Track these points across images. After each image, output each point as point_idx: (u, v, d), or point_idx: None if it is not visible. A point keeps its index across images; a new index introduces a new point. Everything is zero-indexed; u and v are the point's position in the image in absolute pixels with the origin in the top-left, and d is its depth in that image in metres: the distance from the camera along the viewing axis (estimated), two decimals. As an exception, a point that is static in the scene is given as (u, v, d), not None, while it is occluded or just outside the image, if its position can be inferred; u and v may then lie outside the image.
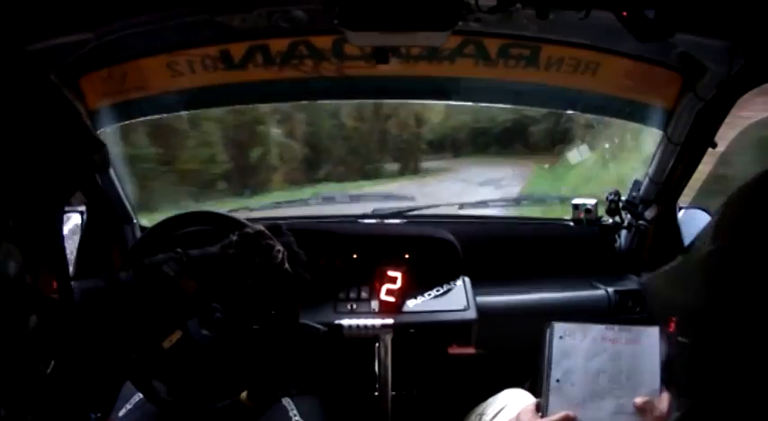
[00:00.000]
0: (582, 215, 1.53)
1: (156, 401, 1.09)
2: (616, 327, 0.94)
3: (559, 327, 0.94)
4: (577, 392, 0.91)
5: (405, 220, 1.64)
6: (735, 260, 0.56)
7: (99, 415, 1.03)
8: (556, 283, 1.56)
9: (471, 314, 1.39)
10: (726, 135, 1.56)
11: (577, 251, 1.65)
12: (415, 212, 1.70)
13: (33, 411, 0.75)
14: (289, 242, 1.13)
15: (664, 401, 0.89)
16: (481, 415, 1.21)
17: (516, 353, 1.45)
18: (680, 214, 1.59)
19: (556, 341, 0.94)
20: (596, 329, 0.94)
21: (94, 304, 1.02)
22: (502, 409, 1.18)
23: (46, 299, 0.76)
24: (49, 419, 0.81)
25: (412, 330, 1.38)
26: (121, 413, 1.18)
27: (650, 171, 1.53)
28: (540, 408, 0.93)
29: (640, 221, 1.53)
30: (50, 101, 0.70)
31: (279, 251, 1.05)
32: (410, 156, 2.96)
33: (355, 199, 1.82)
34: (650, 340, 0.93)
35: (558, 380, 0.92)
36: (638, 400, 0.89)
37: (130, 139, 1.89)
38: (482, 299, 1.44)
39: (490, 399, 1.24)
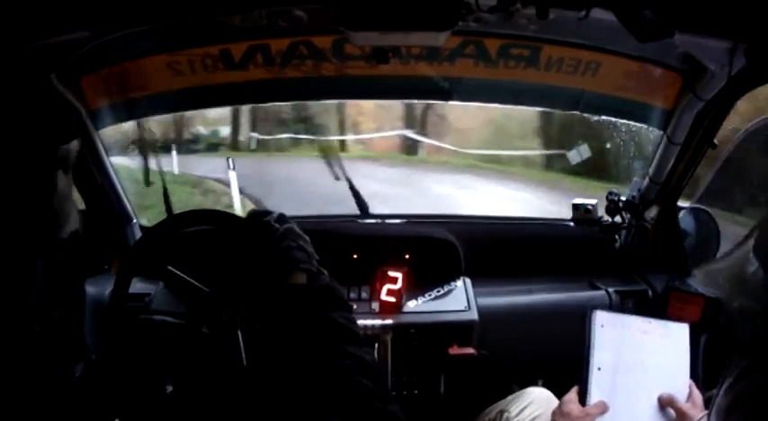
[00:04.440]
0: (582, 215, 1.53)
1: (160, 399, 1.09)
2: (652, 321, 0.96)
3: (601, 316, 0.96)
4: (618, 382, 0.93)
5: (405, 221, 1.64)
6: None
7: None
8: (556, 283, 1.56)
9: (472, 315, 1.38)
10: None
11: (578, 251, 1.65)
12: (416, 212, 1.70)
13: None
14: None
15: (691, 397, 0.91)
16: (503, 411, 1.21)
17: (516, 354, 1.46)
18: (680, 214, 1.59)
19: (597, 330, 0.95)
20: (634, 321, 0.96)
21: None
22: (527, 406, 1.18)
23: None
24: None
25: (412, 331, 1.37)
26: None
27: (650, 171, 1.52)
28: (580, 395, 0.94)
29: (640, 221, 1.53)
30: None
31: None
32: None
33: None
34: (681, 337, 0.95)
35: (599, 369, 0.94)
36: (664, 396, 0.91)
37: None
38: (482, 299, 1.43)
39: (511, 397, 1.24)
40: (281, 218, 0.98)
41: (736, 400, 0.51)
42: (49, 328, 0.73)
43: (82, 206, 1.53)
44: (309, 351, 0.80)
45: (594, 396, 0.92)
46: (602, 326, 0.95)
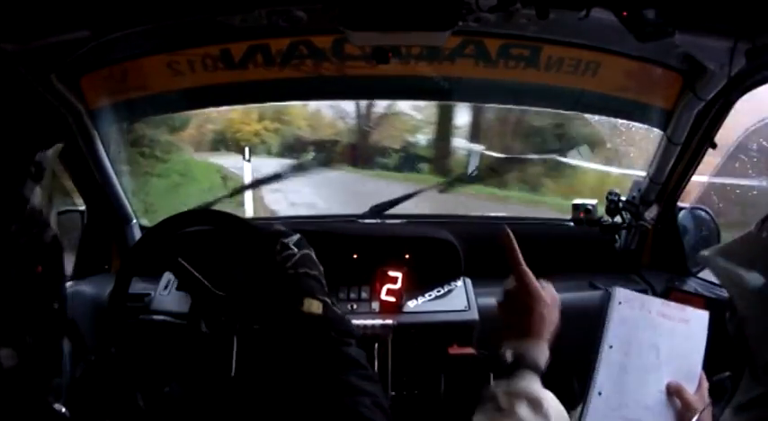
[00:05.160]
0: (582, 215, 1.53)
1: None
2: (672, 304, 0.92)
3: (620, 293, 0.92)
4: (628, 362, 0.89)
5: (405, 220, 1.64)
6: None
7: None
8: (556, 283, 1.55)
9: (472, 315, 1.38)
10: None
11: (577, 251, 1.65)
12: (416, 213, 1.70)
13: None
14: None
15: (700, 389, 0.88)
16: None
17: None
18: (680, 214, 1.59)
19: (615, 306, 0.91)
20: (654, 302, 0.92)
21: None
22: None
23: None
24: None
25: (412, 331, 1.37)
26: None
27: (650, 171, 1.52)
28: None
29: (640, 221, 1.53)
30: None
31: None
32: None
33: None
34: (700, 324, 0.92)
35: (610, 347, 0.90)
36: (673, 383, 0.87)
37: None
38: (482, 299, 1.43)
39: None
40: (300, 242, 0.97)
41: None
42: (21, 357, 0.66)
43: (82, 206, 1.54)
44: (321, 381, 0.80)
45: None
46: (620, 303, 0.91)
